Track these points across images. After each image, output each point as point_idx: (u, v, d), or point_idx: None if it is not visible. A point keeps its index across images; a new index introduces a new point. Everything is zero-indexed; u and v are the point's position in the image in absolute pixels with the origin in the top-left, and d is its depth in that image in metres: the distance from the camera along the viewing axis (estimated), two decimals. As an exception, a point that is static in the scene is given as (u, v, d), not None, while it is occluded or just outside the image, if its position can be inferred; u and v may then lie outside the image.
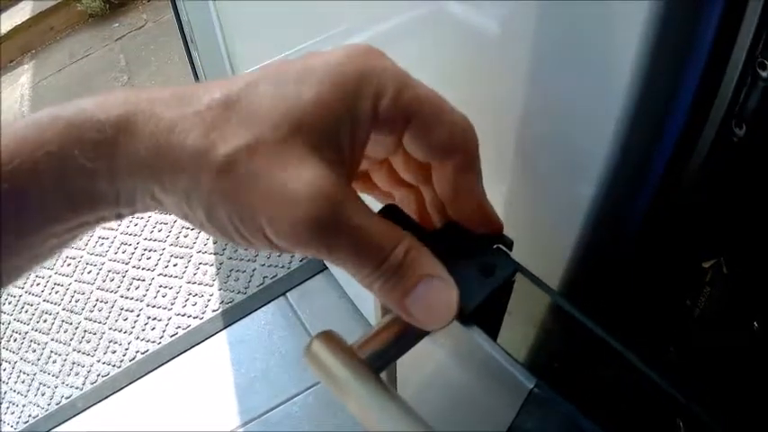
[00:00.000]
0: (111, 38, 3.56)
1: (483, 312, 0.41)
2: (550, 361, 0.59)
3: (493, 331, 0.46)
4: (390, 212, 0.45)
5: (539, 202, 0.61)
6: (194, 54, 2.45)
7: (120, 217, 0.38)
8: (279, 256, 2.16)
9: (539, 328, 0.55)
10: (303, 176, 0.34)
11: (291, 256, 2.16)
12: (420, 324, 0.39)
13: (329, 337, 0.40)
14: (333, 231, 0.35)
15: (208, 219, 0.36)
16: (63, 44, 3.69)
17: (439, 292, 0.39)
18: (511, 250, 0.45)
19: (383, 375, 0.40)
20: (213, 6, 2.03)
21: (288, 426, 1.80)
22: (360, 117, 0.37)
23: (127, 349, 2.10)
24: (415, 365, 0.57)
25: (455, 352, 0.47)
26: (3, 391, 2.15)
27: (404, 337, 0.42)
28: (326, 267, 2.07)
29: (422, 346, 0.44)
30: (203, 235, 2.29)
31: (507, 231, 0.54)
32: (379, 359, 0.41)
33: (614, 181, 0.48)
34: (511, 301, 0.47)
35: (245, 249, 2.19)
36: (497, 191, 0.63)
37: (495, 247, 0.44)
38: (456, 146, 0.40)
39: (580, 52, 0.46)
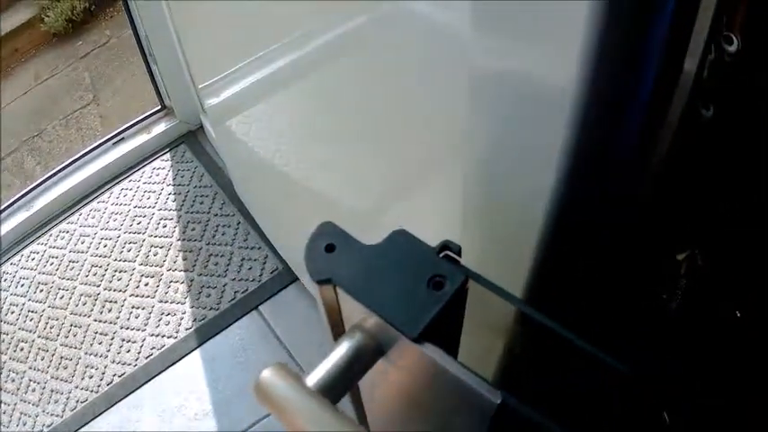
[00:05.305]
0: (76, 56, 3.53)
1: (438, 326, 0.39)
2: (519, 365, 0.57)
3: (452, 344, 0.44)
4: None
5: (496, 202, 0.59)
6: (154, 68, 2.42)
7: None
8: (249, 268, 2.14)
9: (502, 333, 0.53)
10: None
11: (261, 269, 2.14)
12: None
13: (280, 370, 0.40)
14: None
15: None
16: (28, 66, 3.66)
17: None
18: (460, 256, 0.43)
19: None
20: (169, 18, 2.01)
21: (267, 441, 1.78)
22: None
23: (104, 373, 2.08)
24: (381, 389, 0.55)
25: (415, 373, 0.45)
26: (-15, 423, 2.13)
27: (356, 361, 0.41)
28: (297, 278, 2.04)
29: (382, 370, 0.43)
30: (173, 252, 2.28)
31: (467, 236, 0.51)
32: (333, 388, 0.40)
33: (574, 171, 0.45)
34: (468, 308, 0.45)
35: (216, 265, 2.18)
36: (451, 193, 0.61)
37: (442, 255, 0.42)
38: None
39: (528, 36, 0.43)
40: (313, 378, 0.40)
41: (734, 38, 0.35)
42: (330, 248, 0.44)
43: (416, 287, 0.40)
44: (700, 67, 0.37)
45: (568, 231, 0.51)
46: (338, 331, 0.48)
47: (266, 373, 0.40)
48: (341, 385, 0.41)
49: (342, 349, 0.42)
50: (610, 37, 0.37)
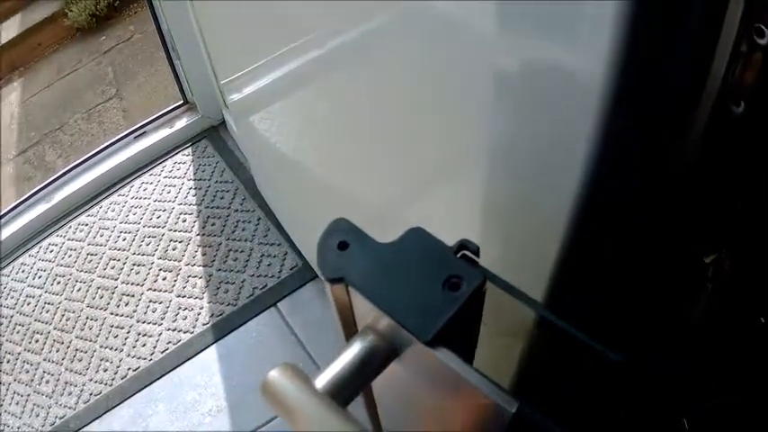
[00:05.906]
0: (99, 51, 3.55)
1: (453, 330, 0.37)
2: (538, 370, 0.56)
3: (468, 348, 0.43)
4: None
5: (518, 201, 0.57)
6: (177, 63, 2.42)
7: None
8: (268, 265, 2.13)
9: (521, 337, 0.52)
10: None
11: (281, 265, 2.12)
12: None
13: (288, 371, 0.39)
14: None
15: None
16: (51, 60, 3.68)
17: None
18: (478, 256, 0.41)
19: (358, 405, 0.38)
20: (192, 14, 2.01)
21: (281, 439, 1.77)
22: None
23: (118, 367, 2.07)
24: (395, 392, 0.54)
25: (429, 377, 0.43)
26: (-1, 414, 2.13)
27: (368, 364, 0.40)
28: (317, 276, 2.03)
29: (396, 374, 0.41)
30: (192, 247, 2.27)
31: (486, 236, 0.49)
32: (343, 390, 0.39)
33: (600, 169, 0.43)
34: (486, 311, 0.43)
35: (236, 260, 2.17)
36: (471, 191, 0.60)
37: (460, 255, 0.40)
38: None
39: (554, 31, 0.41)
40: (322, 380, 0.39)
41: (765, 30, 0.33)
42: (343, 246, 0.42)
43: (431, 288, 0.38)
44: (730, 60, 0.35)
45: (593, 232, 0.49)
46: (350, 331, 0.46)
47: (274, 374, 0.39)
48: (351, 387, 0.40)
49: (353, 350, 0.41)
50: (638, 30, 0.35)
